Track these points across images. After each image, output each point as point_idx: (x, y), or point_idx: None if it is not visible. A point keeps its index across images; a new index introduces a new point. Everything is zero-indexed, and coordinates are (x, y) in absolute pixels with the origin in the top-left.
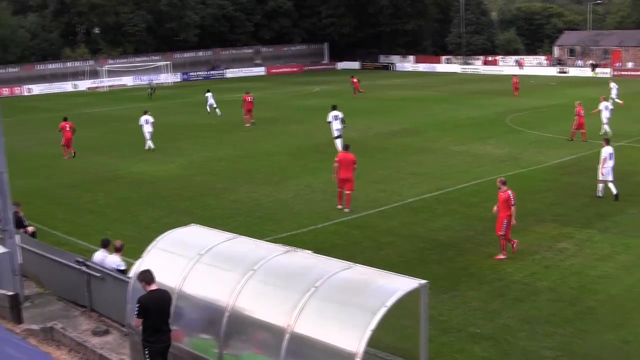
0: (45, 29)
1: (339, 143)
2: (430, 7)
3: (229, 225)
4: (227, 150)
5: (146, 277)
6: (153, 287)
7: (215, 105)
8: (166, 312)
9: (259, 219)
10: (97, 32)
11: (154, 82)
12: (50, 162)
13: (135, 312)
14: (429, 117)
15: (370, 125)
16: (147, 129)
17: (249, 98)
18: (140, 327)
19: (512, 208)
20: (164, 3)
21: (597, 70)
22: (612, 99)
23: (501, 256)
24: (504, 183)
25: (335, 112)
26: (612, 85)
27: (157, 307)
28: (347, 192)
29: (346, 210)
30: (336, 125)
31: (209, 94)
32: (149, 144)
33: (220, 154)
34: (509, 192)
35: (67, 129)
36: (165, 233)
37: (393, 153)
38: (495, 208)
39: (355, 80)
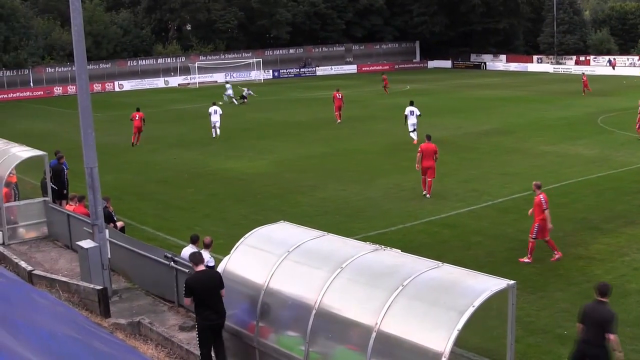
0: (137, 26)
1: (414, 136)
2: (522, 6)
3: (317, 223)
4: (317, 148)
5: (194, 258)
6: (200, 267)
7: (232, 95)
8: (214, 291)
9: (348, 217)
10: (189, 28)
11: (245, 89)
12: (140, 158)
13: (183, 292)
14: (519, 116)
15: (460, 125)
16: (214, 119)
17: (339, 95)
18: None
19: (545, 212)
20: (255, 0)
21: None
22: None
23: (526, 259)
24: (538, 187)
25: (411, 108)
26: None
27: (203, 286)
28: (429, 179)
29: (427, 195)
30: (412, 120)
31: (228, 86)
32: (215, 132)
33: (310, 151)
34: (542, 196)
35: (137, 118)
36: (254, 230)
37: (483, 153)
38: (530, 211)
39: (384, 77)
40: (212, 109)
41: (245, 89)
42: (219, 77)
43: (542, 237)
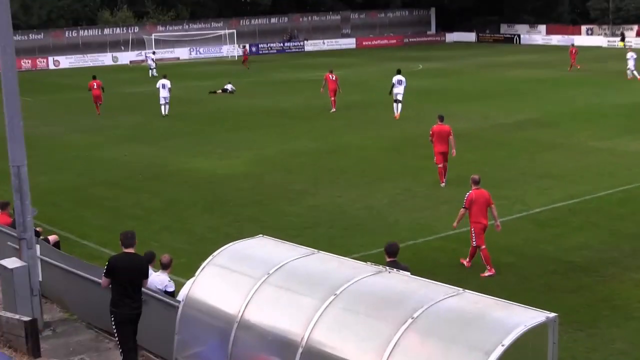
0: None
1: (396, 110)
2: None
3: (306, 237)
4: (306, 143)
5: (126, 239)
6: (130, 250)
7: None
8: (136, 278)
9: (344, 231)
10: None
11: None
12: (84, 153)
13: (103, 271)
14: (563, 104)
15: (487, 114)
16: (163, 94)
17: (332, 76)
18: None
19: (460, 210)
20: None
21: None
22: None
23: (487, 272)
24: (475, 182)
25: (399, 77)
26: (630, 55)
27: (126, 270)
28: (443, 164)
29: (442, 184)
30: (397, 89)
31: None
32: (165, 109)
33: (298, 147)
34: (471, 192)
35: (95, 87)
36: (226, 246)
37: (516, 150)
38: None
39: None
40: (160, 83)
41: (229, 85)
42: (182, 53)
43: (481, 242)
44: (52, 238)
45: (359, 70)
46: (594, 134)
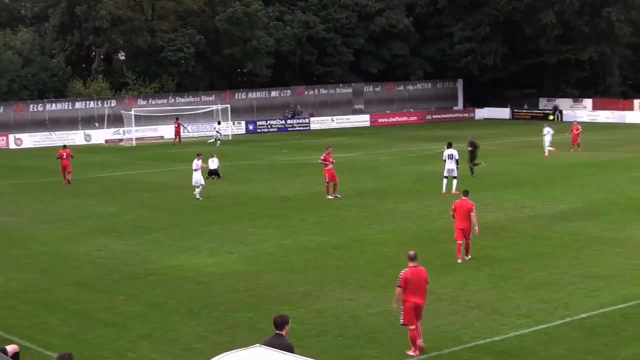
0: (44, 52)
1: (445, 184)
2: (618, 26)
3: (311, 348)
4: (311, 237)
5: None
6: None
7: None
8: None
9: (356, 340)
10: (122, 58)
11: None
12: (50, 248)
13: None
14: (612, 191)
15: (523, 204)
16: (197, 177)
17: (329, 158)
18: None
19: (397, 290)
20: (221, 18)
21: None
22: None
23: (410, 352)
24: (411, 259)
25: (450, 151)
26: (546, 130)
27: None
28: (467, 240)
29: (467, 257)
30: (449, 166)
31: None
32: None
33: (301, 241)
34: (406, 270)
35: (64, 157)
36: (215, 358)
37: (558, 245)
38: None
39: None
40: (195, 164)
41: (212, 161)
42: (168, 131)
43: (409, 322)
44: (10, 349)
45: (373, 152)
46: None
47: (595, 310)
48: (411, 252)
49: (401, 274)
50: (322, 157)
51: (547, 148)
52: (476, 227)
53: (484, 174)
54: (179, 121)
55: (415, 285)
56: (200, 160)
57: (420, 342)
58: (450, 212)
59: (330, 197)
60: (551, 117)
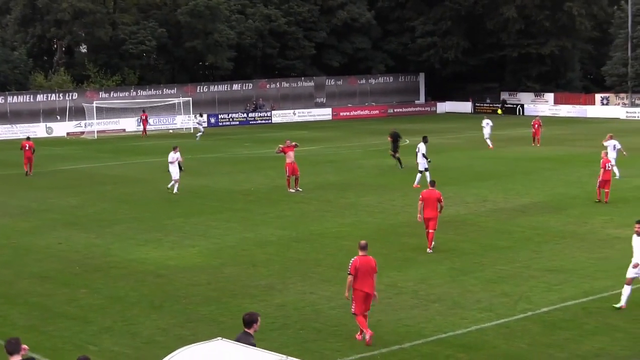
0: (5, 45)
1: (417, 178)
2: (579, 21)
3: (272, 341)
4: (273, 230)
5: (10, 346)
6: (16, 358)
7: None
8: None
9: (318, 333)
10: (84, 51)
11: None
12: (10, 241)
13: None
14: (574, 185)
15: (485, 197)
16: (173, 169)
17: (289, 150)
18: None
19: (349, 278)
20: (183, 11)
21: None
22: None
23: (361, 335)
24: (362, 248)
25: (422, 145)
26: (485, 122)
27: None
28: (431, 230)
29: (429, 250)
30: (420, 159)
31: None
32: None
33: (262, 235)
34: (356, 258)
35: (27, 148)
36: (177, 351)
37: (520, 239)
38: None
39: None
40: (171, 156)
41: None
42: (129, 124)
43: (359, 311)
44: None
45: (335, 145)
46: (611, 220)
47: (557, 304)
48: (362, 242)
49: (351, 261)
50: (279, 147)
51: (488, 140)
52: (441, 211)
53: (446, 167)
54: (146, 113)
55: (364, 273)
56: (178, 153)
57: (363, 333)
58: (419, 202)
59: (291, 190)
60: (499, 112)
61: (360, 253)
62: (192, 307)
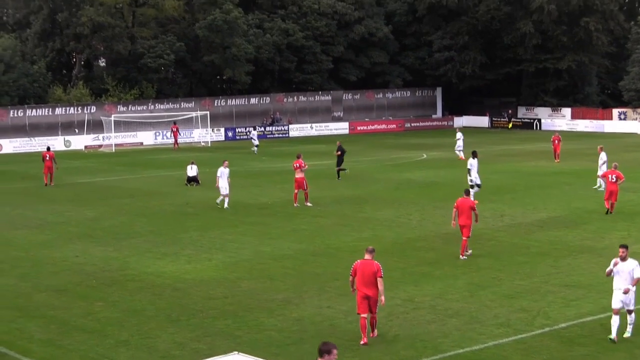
0: (25, 58)
1: (471, 193)
2: (596, 36)
3: (289, 355)
4: (290, 244)
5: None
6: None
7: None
8: None
9: None
10: (103, 64)
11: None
12: (28, 254)
13: None
14: (591, 200)
15: (502, 212)
16: (222, 182)
17: (298, 164)
18: None
19: (350, 278)
20: (201, 26)
21: None
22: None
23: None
24: (367, 251)
25: (472, 161)
26: (459, 135)
27: None
28: (464, 238)
29: (462, 257)
30: (473, 175)
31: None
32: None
33: (279, 249)
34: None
35: (47, 158)
36: None
37: (537, 254)
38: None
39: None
40: (219, 171)
41: (190, 168)
42: (147, 138)
43: (361, 311)
44: None
45: (352, 159)
46: (629, 235)
47: (575, 320)
48: (369, 247)
49: (353, 264)
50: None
51: (459, 152)
52: (477, 221)
53: (463, 182)
54: (177, 125)
55: (363, 276)
56: (227, 169)
57: (370, 334)
58: (453, 210)
59: (296, 205)
60: (510, 126)
61: (366, 256)
62: (209, 321)
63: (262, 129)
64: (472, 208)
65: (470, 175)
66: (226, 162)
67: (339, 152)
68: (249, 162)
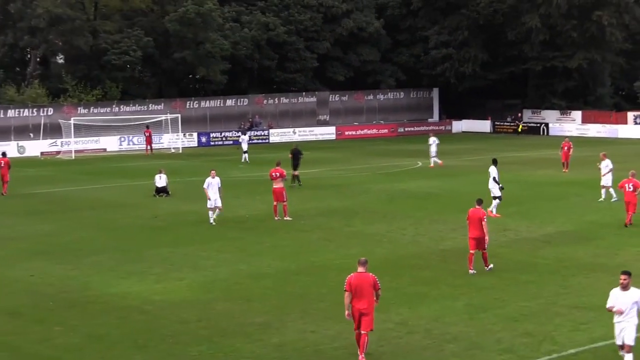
0: None
1: (495, 204)
2: (610, 32)
3: None
4: (270, 261)
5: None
6: None
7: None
8: None
9: None
10: (61, 61)
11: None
12: None
13: None
14: (604, 212)
15: (506, 226)
16: (212, 194)
17: (276, 174)
18: None
19: (345, 294)
20: (171, 19)
21: None
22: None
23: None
24: (360, 264)
25: (492, 168)
26: (432, 140)
27: None
28: (481, 250)
29: (486, 268)
30: (491, 184)
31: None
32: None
33: (258, 267)
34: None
35: (2, 165)
36: None
37: (544, 272)
38: None
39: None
40: (207, 182)
41: (159, 177)
42: (110, 143)
43: (355, 327)
44: None
45: (339, 167)
46: None
47: (585, 346)
48: (362, 258)
49: (347, 278)
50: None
51: (433, 159)
52: (487, 237)
53: (463, 192)
54: (150, 130)
55: (359, 289)
56: (217, 178)
57: (360, 357)
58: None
59: (277, 218)
60: (520, 129)
61: (359, 269)
62: (180, 347)
63: (239, 133)
64: (481, 219)
65: (497, 184)
66: (213, 171)
67: (291, 155)
68: (226, 170)
